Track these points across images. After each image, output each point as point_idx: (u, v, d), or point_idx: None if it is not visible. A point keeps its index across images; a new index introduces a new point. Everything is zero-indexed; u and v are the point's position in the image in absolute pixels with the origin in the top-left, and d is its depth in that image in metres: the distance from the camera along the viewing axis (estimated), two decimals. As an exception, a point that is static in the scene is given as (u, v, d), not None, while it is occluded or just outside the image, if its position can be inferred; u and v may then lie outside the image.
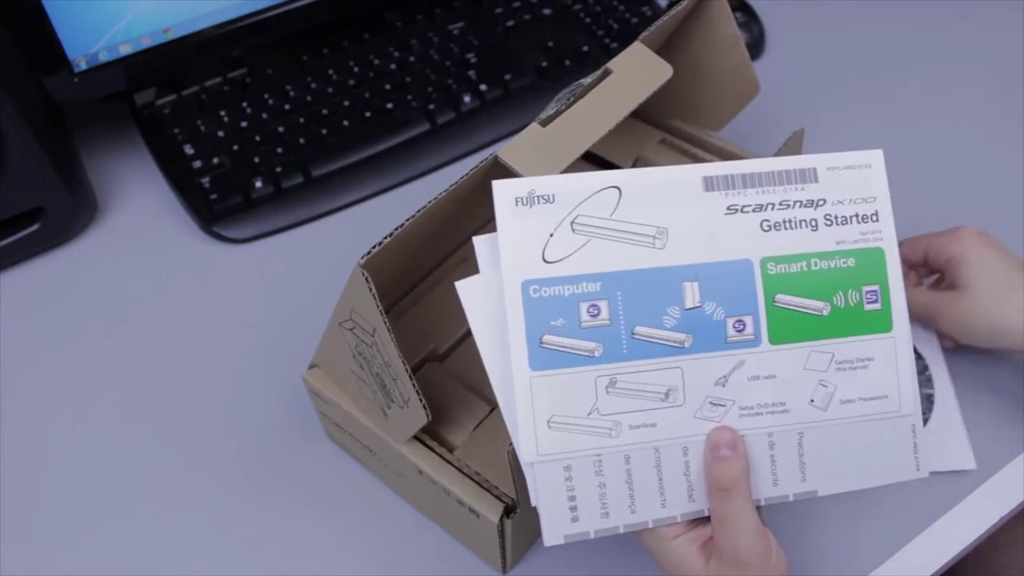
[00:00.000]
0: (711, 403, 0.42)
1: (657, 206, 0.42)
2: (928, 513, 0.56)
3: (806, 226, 0.43)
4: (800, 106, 0.77)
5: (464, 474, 0.49)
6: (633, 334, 0.42)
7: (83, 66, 0.68)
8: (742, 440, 0.42)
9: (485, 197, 0.42)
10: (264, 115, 0.74)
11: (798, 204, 0.43)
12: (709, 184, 0.43)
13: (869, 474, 0.44)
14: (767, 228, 0.43)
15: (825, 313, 0.43)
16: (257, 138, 0.73)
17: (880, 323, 0.44)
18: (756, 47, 0.82)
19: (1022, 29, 0.83)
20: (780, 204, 0.43)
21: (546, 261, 0.41)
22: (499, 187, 0.42)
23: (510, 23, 0.81)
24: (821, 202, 0.43)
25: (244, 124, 0.74)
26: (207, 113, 0.74)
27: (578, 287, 0.42)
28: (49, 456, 0.59)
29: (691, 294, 0.42)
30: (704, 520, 0.43)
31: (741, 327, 0.42)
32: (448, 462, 0.50)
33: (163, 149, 0.73)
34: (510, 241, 0.41)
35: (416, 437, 0.50)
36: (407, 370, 0.44)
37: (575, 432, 0.42)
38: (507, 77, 0.77)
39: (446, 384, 0.54)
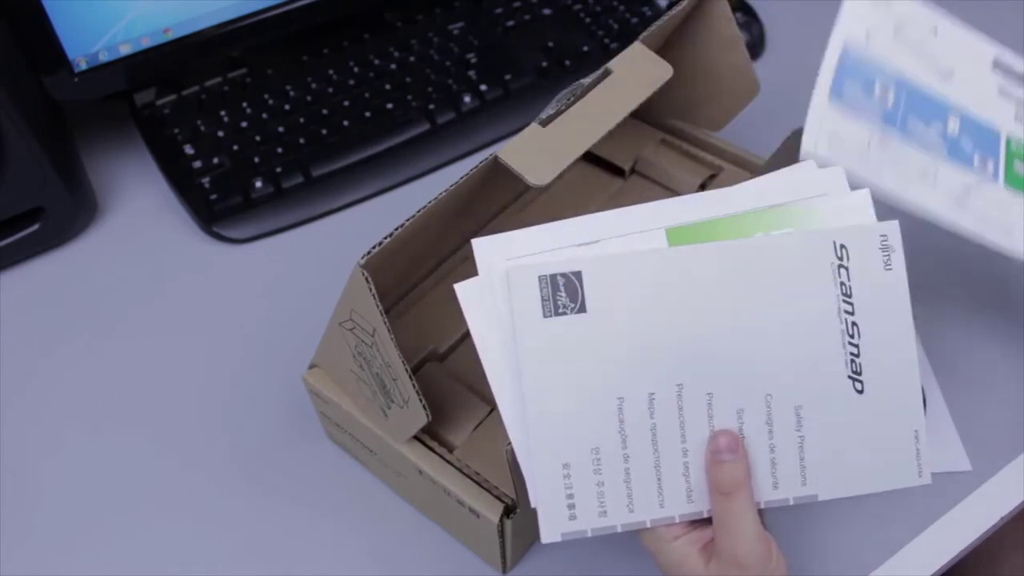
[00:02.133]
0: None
1: (953, 56, 0.52)
2: (928, 513, 0.56)
3: None
4: (800, 106, 0.76)
5: (464, 474, 0.49)
6: (906, 123, 0.49)
7: (83, 66, 0.68)
8: (743, 443, 0.43)
9: (485, 197, 0.42)
10: (264, 115, 0.74)
11: None
12: (997, 64, 0.54)
13: (870, 479, 0.44)
14: (1018, 119, 0.53)
15: None
16: (257, 138, 0.73)
17: None
18: (756, 47, 0.82)
19: (1022, 29, 0.83)
20: None
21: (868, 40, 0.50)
22: None
23: (510, 23, 0.81)
24: None
25: (244, 124, 0.74)
26: (207, 113, 0.74)
27: (880, 70, 0.50)
28: (49, 456, 0.59)
29: (953, 125, 0.51)
30: (706, 522, 0.43)
31: (984, 162, 0.51)
32: (448, 462, 0.50)
33: (163, 149, 0.73)
34: (854, 10, 0.51)
35: (416, 437, 0.50)
36: (407, 370, 0.44)
37: (858, 116, 0.49)
38: (507, 77, 0.77)
39: (446, 384, 0.54)
